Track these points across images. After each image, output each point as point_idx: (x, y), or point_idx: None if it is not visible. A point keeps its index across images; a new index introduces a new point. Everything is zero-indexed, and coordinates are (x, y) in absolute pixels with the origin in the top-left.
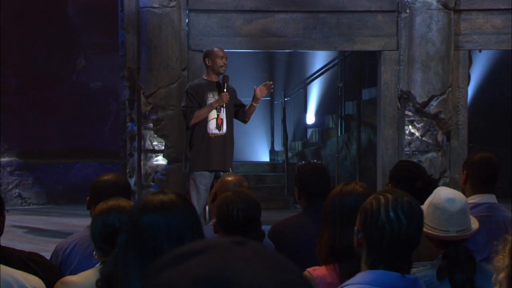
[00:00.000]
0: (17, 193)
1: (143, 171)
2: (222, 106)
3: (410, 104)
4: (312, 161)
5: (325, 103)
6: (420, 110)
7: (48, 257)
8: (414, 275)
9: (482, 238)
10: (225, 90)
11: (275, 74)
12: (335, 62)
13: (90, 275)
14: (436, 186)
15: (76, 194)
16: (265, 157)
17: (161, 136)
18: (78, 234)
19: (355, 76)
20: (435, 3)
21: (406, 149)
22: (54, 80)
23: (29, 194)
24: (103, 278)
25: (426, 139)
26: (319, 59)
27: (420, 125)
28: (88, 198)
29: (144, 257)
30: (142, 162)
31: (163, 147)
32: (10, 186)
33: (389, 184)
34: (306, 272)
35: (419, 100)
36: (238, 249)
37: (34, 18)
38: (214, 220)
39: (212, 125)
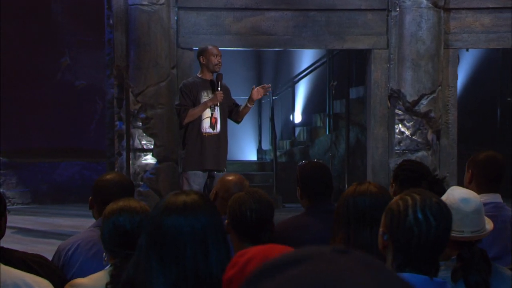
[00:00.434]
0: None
1: (131, 170)
2: (216, 105)
3: (400, 103)
4: (314, 160)
5: (313, 101)
6: (410, 109)
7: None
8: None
9: (488, 238)
10: (219, 88)
11: (263, 72)
12: (323, 60)
13: (100, 277)
14: (441, 185)
15: (61, 194)
16: (252, 156)
17: (150, 135)
18: (81, 235)
19: (343, 74)
20: (425, 2)
21: (396, 148)
22: (38, 78)
23: (13, 193)
24: (125, 282)
25: (416, 138)
26: (307, 57)
27: (410, 124)
28: (90, 197)
29: (166, 261)
30: (130, 161)
31: (152, 146)
32: None
33: (393, 184)
34: None
35: (409, 98)
36: (341, 259)
37: (18, 16)
38: (226, 221)
39: (206, 124)
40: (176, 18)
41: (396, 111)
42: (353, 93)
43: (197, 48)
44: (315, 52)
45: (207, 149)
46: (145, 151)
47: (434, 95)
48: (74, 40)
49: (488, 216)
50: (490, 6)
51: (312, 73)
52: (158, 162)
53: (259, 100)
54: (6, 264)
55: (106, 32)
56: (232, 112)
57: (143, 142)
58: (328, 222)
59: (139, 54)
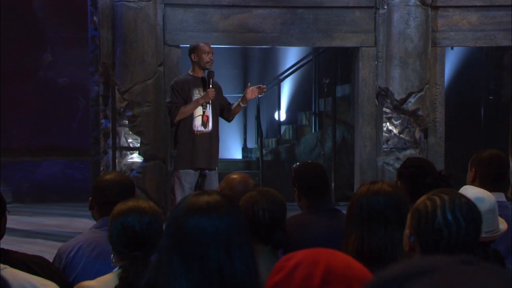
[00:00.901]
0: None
1: (118, 169)
2: (208, 103)
3: (388, 101)
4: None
5: (298, 100)
6: (398, 107)
7: None
8: None
9: None
10: (211, 86)
11: (249, 70)
12: (308, 58)
13: (108, 280)
14: (447, 182)
15: (43, 193)
16: (237, 154)
17: (137, 133)
18: (82, 236)
19: (329, 72)
20: (413, 0)
21: (384, 146)
22: (19, 75)
23: None
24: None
25: (404, 136)
26: (292, 55)
27: (398, 122)
28: (90, 198)
29: (189, 263)
30: (116, 160)
31: (139, 144)
32: None
33: (398, 182)
34: None
35: (397, 97)
36: (470, 270)
37: None
38: None
39: (198, 122)
40: (162, 15)
41: (384, 109)
42: (339, 91)
43: (184, 46)
44: (300, 50)
45: (199, 147)
46: (132, 149)
47: (422, 93)
48: (56, 37)
49: None
50: (477, 4)
51: (297, 71)
52: (145, 160)
53: None
54: (8, 265)
55: (90, 29)
56: (223, 111)
57: (130, 140)
58: (329, 221)
59: (126, 52)
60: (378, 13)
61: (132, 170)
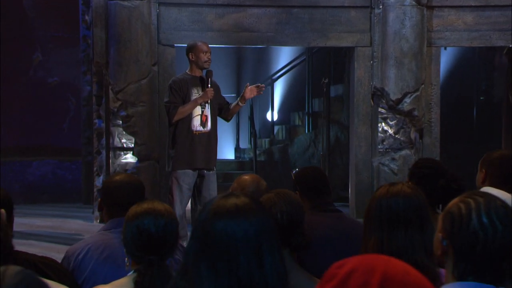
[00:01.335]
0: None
1: (111, 169)
2: (207, 102)
3: (384, 101)
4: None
5: (291, 100)
6: (394, 107)
7: None
8: None
9: None
10: (209, 85)
11: (242, 70)
12: (302, 58)
13: (123, 284)
14: (460, 184)
15: (33, 193)
16: (230, 155)
17: (131, 133)
18: (90, 239)
19: (323, 72)
20: None
21: (379, 147)
22: (9, 75)
23: None
24: None
25: (399, 137)
26: (285, 55)
27: (393, 122)
28: (99, 199)
29: (218, 269)
30: (110, 160)
31: (133, 145)
32: None
33: (409, 182)
34: None
35: (393, 97)
36: None
37: None
38: None
39: (196, 122)
40: (157, 14)
41: (379, 109)
42: (332, 91)
43: (179, 45)
44: (293, 50)
45: (197, 147)
46: (125, 149)
47: (418, 93)
48: (46, 36)
49: None
50: (473, 4)
51: (291, 71)
52: (139, 161)
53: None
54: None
55: (81, 28)
56: (221, 110)
57: (123, 140)
58: (332, 222)
59: (120, 51)
60: (373, 13)
61: (126, 170)
